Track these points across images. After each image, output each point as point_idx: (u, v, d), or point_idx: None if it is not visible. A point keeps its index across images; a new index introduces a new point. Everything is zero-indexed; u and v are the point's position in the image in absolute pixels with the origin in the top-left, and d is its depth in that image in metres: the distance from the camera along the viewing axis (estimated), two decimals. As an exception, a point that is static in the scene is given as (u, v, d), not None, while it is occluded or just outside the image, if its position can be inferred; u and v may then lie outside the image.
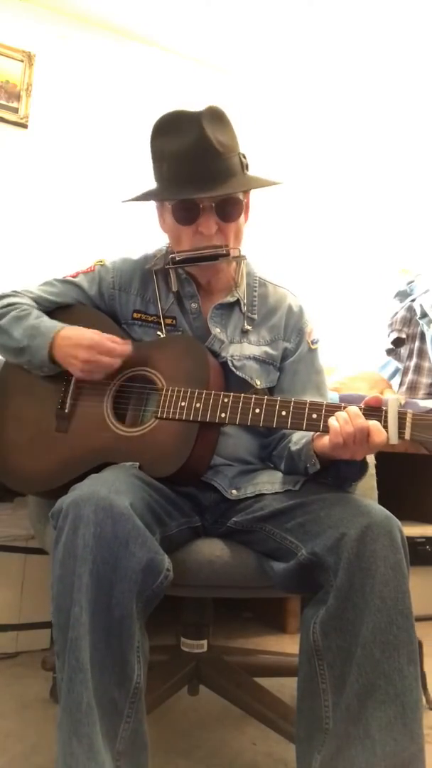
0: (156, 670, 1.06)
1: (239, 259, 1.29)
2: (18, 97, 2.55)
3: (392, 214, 3.23)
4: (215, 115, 1.19)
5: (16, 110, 2.54)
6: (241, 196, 1.24)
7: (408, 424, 0.98)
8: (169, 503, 1.11)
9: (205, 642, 1.39)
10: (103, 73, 2.72)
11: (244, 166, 1.24)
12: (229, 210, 1.21)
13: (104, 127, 2.69)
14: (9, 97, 2.53)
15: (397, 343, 2.60)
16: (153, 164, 1.26)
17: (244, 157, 1.24)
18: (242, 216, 1.26)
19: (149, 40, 2.77)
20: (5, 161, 2.53)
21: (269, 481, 1.19)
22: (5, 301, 1.30)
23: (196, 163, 1.17)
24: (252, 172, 1.26)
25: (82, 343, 1.19)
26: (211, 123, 1.17)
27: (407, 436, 0.98)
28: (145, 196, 1.27)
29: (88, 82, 2.68)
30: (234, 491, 1.19)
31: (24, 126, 2.56)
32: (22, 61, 2.55)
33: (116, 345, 1.20)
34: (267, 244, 2.64)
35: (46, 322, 1.25)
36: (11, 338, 1.24)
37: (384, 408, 1.01)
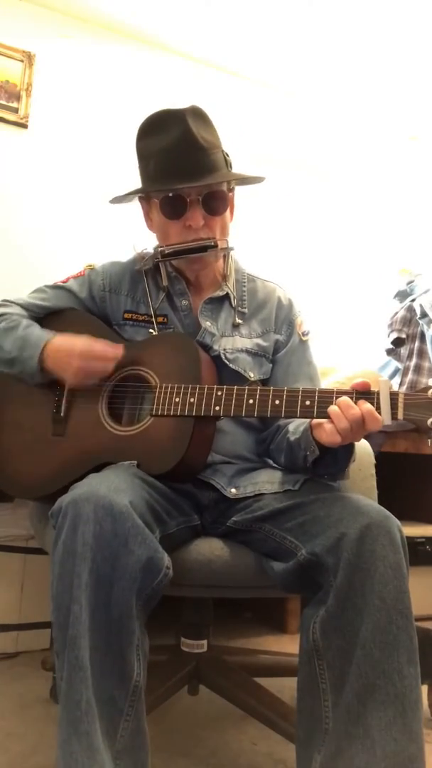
0: (156, 670, 1.06)
1: (227, 250, 1.30)
2: (18, 97, 2.54)
3: (392, 214, 3.23)
4: (198, 113, 1.23)
5: (16, 110, 2.54)
6: (226, 189, 1.26)
7: (400, 404, 0.99)
8: (169, 502, 1.11)
9: (205, 642, 1.39)
10: (103, 73, 2.71)
11: (228, 163, 1.27)
12: (215, 204, 1.24)
13: (104, 128, 2.69)
14: (9, 97, 2.53)
15: (397, 343, 2.60)
16: (139, 165, 1.28)
17: (227, 155, 1.27)
18: (227, 211, 1.28)
19: (150, 40, 2.77)
20: (5, 161, 2.53)
21: (269, 481, 1.19)
22: None
23: (181, 157, 1.19)
24: (247, 171, 1.28)
25: (74, 351, 1.20)
26: (195, 119, 1.20)
27: (400, 416, 0.99)
28: (132, 194, 1.28)
29: (88, 82, 2.68)
30: (233, 490, 1.19)
31: (24, 126, 2.56)
32: (22, 61, 2.55)
33: (108, 348, 1.21)
34: (268, 245, 2.65)
35: (36, 331, 1.25)
36: (2, 350, 1.25)
37: (375, 390, 1.01)
